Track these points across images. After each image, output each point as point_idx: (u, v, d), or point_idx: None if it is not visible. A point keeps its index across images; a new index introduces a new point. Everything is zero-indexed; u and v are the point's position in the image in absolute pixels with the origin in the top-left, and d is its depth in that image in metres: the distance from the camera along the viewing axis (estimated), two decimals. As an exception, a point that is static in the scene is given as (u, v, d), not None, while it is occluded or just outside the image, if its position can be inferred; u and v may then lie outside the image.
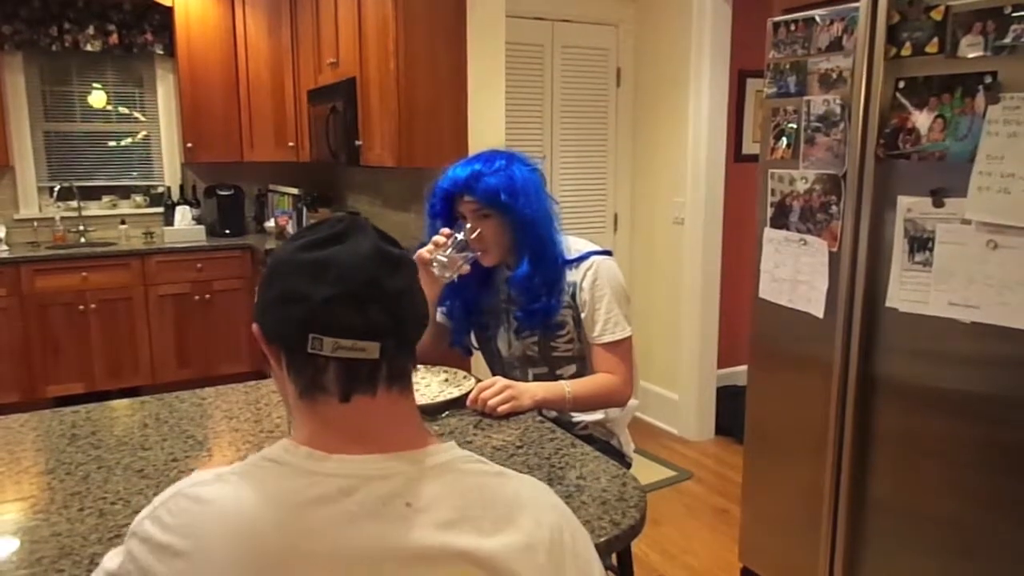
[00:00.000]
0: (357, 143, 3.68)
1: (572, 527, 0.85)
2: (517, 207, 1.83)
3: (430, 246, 1.83)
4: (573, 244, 1.95)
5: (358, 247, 0.83)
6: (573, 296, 1.90)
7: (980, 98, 1.80)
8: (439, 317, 2.10)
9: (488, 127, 3.44)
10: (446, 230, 1.83)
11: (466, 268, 1.84)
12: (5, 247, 4.34)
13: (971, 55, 1.82)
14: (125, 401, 1.84)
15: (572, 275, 1.90)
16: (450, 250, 1.81)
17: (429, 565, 0.75)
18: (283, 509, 0.75)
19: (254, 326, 0.86)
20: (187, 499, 0.77)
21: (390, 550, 0.75)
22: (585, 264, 1.90)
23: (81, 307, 4.27)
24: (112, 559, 0.83)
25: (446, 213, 1.91)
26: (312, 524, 0.74)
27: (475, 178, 1.83)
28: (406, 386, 0.86)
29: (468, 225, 1.85)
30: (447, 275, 1.83)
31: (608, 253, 1.95)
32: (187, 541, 0.74)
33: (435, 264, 1.80)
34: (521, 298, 1.91)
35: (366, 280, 0.80)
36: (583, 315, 1.90)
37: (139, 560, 0.77)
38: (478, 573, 0.75)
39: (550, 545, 0.80)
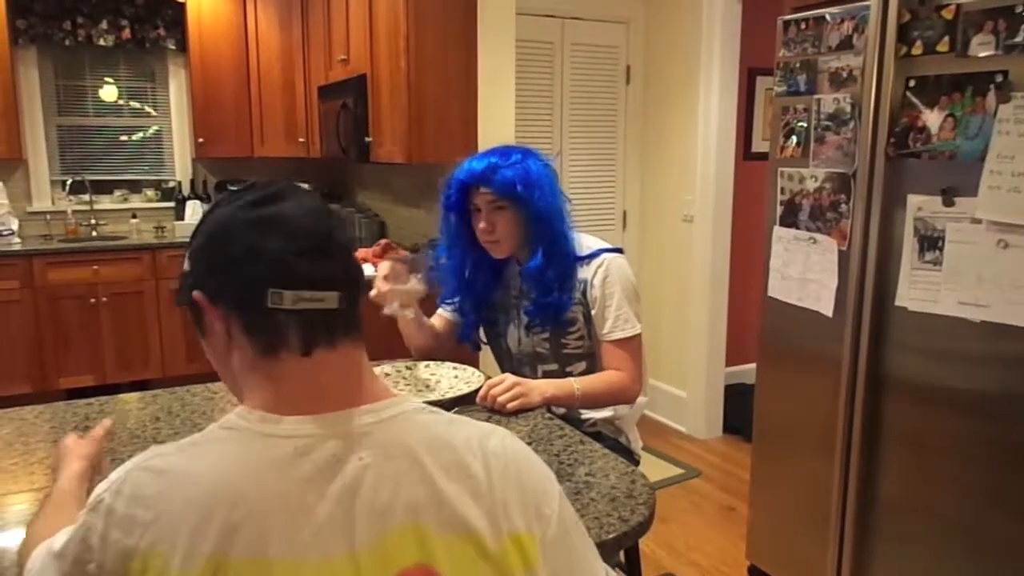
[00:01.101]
0: (367, 139, 3.69)
1: (529, 470, 0.86)
2: (533, 199, 1.84)
3: (379, 281, 1.87)
4: (584, 241, 1.95)
5: (303, 203, 0.84)
6: (584, 293, 1.90)
7: (991, 97, 1.80)
8: (447, 313, 2.12)
9: (498, 124, 3.44)
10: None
11: (420, 294, 1.88)
12: (18, 240, 4.37)
13: (982, 54, 1.82)
14: (137, 394, 1.86)
15: (583, 272, 1.91)
16: (411, 280, 1.84)
17: (383, 518, 0.76)
18: (242, 472, 0.76)
19: (195, 294, 0.84)
20: (147, 471, 0.77)
21: (347, 506, 0.76)
22: (596, 261, 1.91)
23: (92, 300, 4.30)
24: (59, 539, 0.82)
25: (461, 205, 1.92)
26: (270, 485, 0.75)
27: (492, 170, 1.84)
28: (360, 337, 0.86)
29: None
30: (407, 313, 1.86)
31: (619, 251, 1.96)
32: (149, 512, 0.74)
33: (394, 305, 1.85)
34: (533, 291, 1.92)
35: (320, 232, 0.82)
36: (593, 312, 1.90)
37: (98, 533, 0.76)
38: (431, 523, 0.76)
39: (502, 486, 0.81)
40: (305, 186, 0.91)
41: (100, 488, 0.79)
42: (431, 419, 0.85)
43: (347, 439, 0.79)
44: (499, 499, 0.80)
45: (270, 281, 0.79)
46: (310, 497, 0.75)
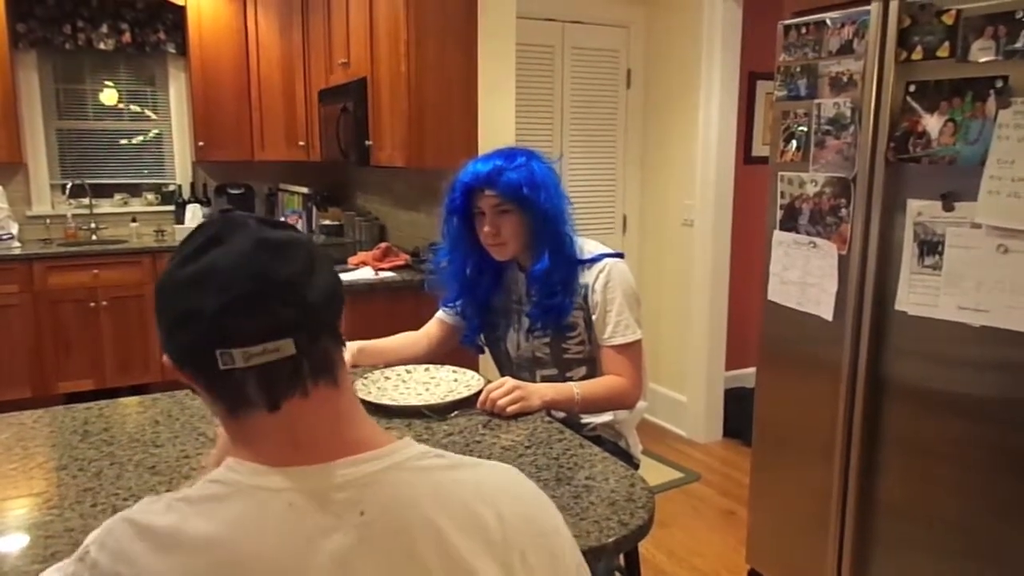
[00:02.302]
0: (367, 143, 3.69)
1: (541, 512, 0.83)
2: (539, 202, 1.84)
3: None
4: (586, 246, 1.95)
5: (234, 246, 0.76)
6: (585, 298, 1.90)
7: (991, 102, 1.80)
8: (447, 317, 2.11)
9: (498, 128, 3.45)
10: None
11: None
12: (18, 244, 4.37)
13: (982, 59, 1.82)
14: (136, 398, 1.85)
15: (584, 277, 1.91)
16: None
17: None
18: (233, 532, 0.71)
19: (164, 359, 0.80)
20: (135, 527, 0.72)
21: (346, 564, 0.72)
22: (598, 266, 1.91)
23: (92, 304, 4.30)
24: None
25: (464, 208, 1.91)
26: (264, 543, 0.71)
27: (497, 172, 1.84)
28: (335, 377, 0.80)
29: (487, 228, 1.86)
30: None
31: (620, 256, 1.96)
32: (133, 569, 0.70)
33: None
34: (538, 294, 1.91)
35: (251, 277, 0.74)
36: (594, 317, 1.90)
37: None
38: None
39: (517, 537, 0.77)
40: (250, 212, 0.81)
41: (91, 537, 0.75)
42: (434, 465, 0.79)
43: (349, 491, 0.74)
44: (515, 549, 0.77)
45: (214, 342, 0.73)
46: (307, 558, 0.71)
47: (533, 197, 1.83)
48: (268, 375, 0.75)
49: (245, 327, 0.74)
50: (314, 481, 0.74)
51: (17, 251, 4.23)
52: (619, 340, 1.88)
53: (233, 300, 0.73)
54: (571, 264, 1.91)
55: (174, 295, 0.77)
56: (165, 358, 0.80)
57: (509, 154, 1.89)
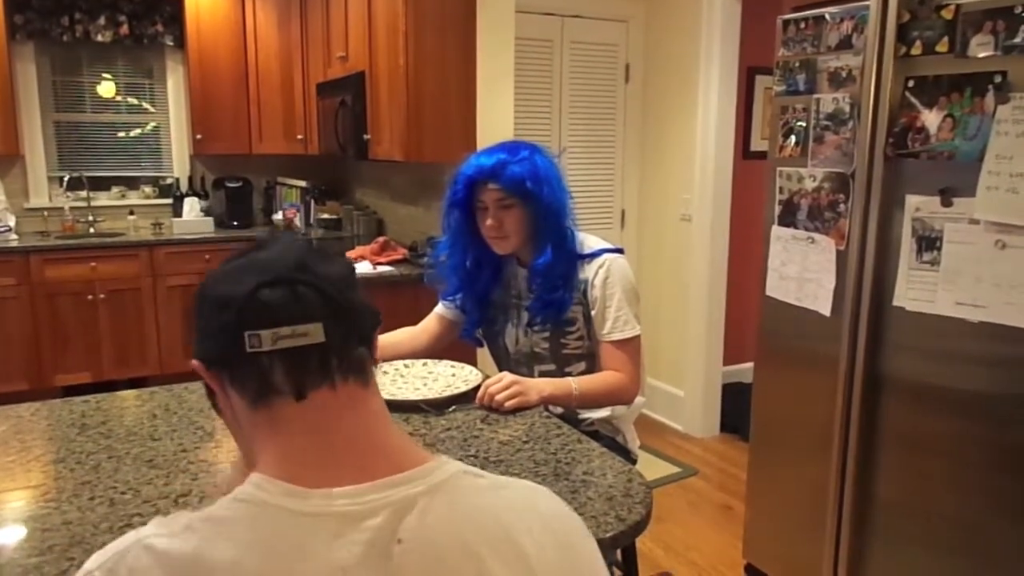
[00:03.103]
0: (365, 137, 3.69)
1: (574, 530, 0.80)
2: (542, 196, 1.84)
3: None
4: (586, 241, 1.95)
5: (281, 244, 0.78)
6: (584, 293, 1.90)
7: (990, 98, 1.80)
8: (446, 311, 2.11)
9: (497, 122, 3.44)
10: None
11: None
12: (15, 236, 4.37)
13: (981, 54, 1.82)
14: (134, 392, 1.85)
15: (584, 272, 1.90)
16: None
17: None
18: (261, 557, 0.66)
19: (193, 362, 0.78)
20: (152, 554, 0.66)
21: None
22: (597, 261, 1.90)
23: (90, 297, 4.29)
24: None
25: (466, 202, 1.91)
26: (293, 570, 0.66)
27: (501, 166, 1.83)
28: (366, 379, 0.78)
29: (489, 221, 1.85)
30: None
31: (620, 251, 1.95)
32: None
33: None
34: (539, 288, 1.91)
35: (293, 264, 0.75)
36: (593, 313, 1.90)
37: None
38: None
39: (557, 565, 0.74)
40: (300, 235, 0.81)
41: (92, 561, 0.68)
42: (474, 486, 0.76)
43: (385, 516, 0.69)
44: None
45: (245, 324, 0.72)
46: None
47: (536, 191, 1.83)
48: (295, 362, 0.73)
49: (275, 306, 0.72)
50: (348, 503, 0.69)
51: (14, 243, 4.22)
52: (618, 336, 1.88)
53: (268, 281, 0.73)
54: (572, 259, 1.91)
55: (213, 287, 0.76)
56: (194, 363, 0.78)
57: (513, 147, 1.89)
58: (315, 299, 0.74)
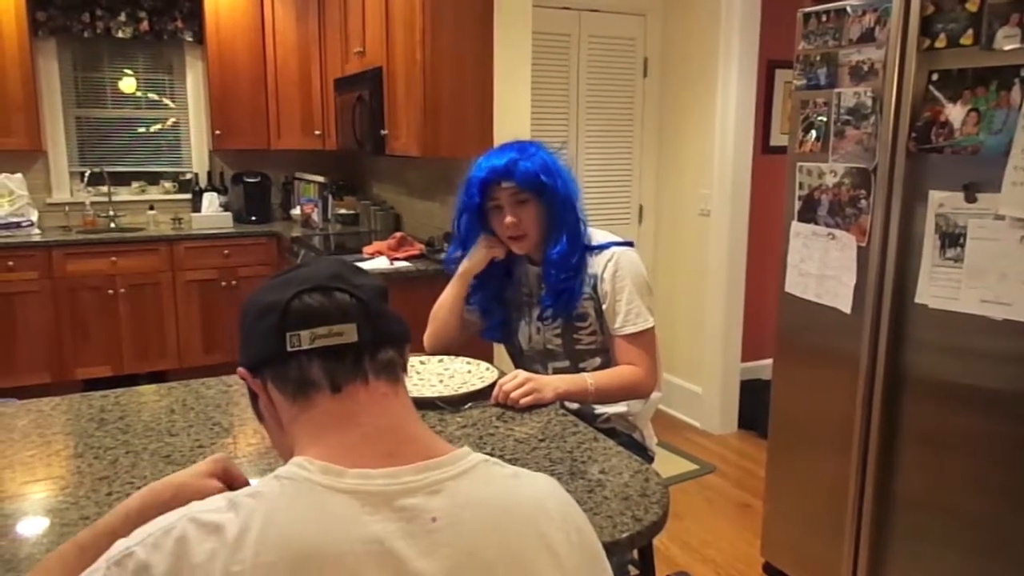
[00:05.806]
0: (383, 132, 3.69)
1: (589, 530, 0.86)
2: (557, 188, 1.87)
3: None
4: (593, 236, 1.95)
5: (320, 261, 0.90)
6: (594, 287, 1.90)
7: (1016, 91, 1.77)
8: (464, 312, 2.10)
9: (514, 117, 3.43)
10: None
11: None
12: (37, 231, 4.41)
13: (1007, 47, 1.78)
14: (152, 387, 1.86)
15: (593, 266, 1.90)
16: None
17: None
18: (303, 531, 0.70)
19: (239, 371, 0.88)
20: (196, 524, 0.70)
21: (416, 569, 0.72)
22: (606, 255, 1.90)
23: (110, 291, 4.33)
24: None
25: (479, 205, 1.92)
26: (330, 543, 0.70)
27: (513, 163, 1.86)
28: (398, 380, 0.86)
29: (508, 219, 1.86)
30: None
31: (629, 244, 1.95)
32: (201, 571, 0.68)
33: None
34: (552, 278, 1.91)
35: (330, 275, 0.85)
36: (604, 307, 1.89)
37: None
38: None
39: (580, 558, 0.81)
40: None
41: (132, 538, 0.72)
42: (498, 474, 0.82)
43: (418, 497, 0.75)
44: (574, 565, 0.80)
45: (286, 326, 0.81)
46: (374, 559, 0.71)
47: (552, 183, 1.86)
48: (331, 359, 0.82)
49: (314, 309, 0.82)
50: (385, 483, 0.75)
51: (37, 238, 4.26)
52: (630, 329, 1.87)
53: (309, 288, 0.83)
54: (584, 249, 1.92)
55: (259, 298, 0.86)
56: (239, 371, 0.88)
57: (520, 146, 1.92)
58: (349, 303, 0.83)
